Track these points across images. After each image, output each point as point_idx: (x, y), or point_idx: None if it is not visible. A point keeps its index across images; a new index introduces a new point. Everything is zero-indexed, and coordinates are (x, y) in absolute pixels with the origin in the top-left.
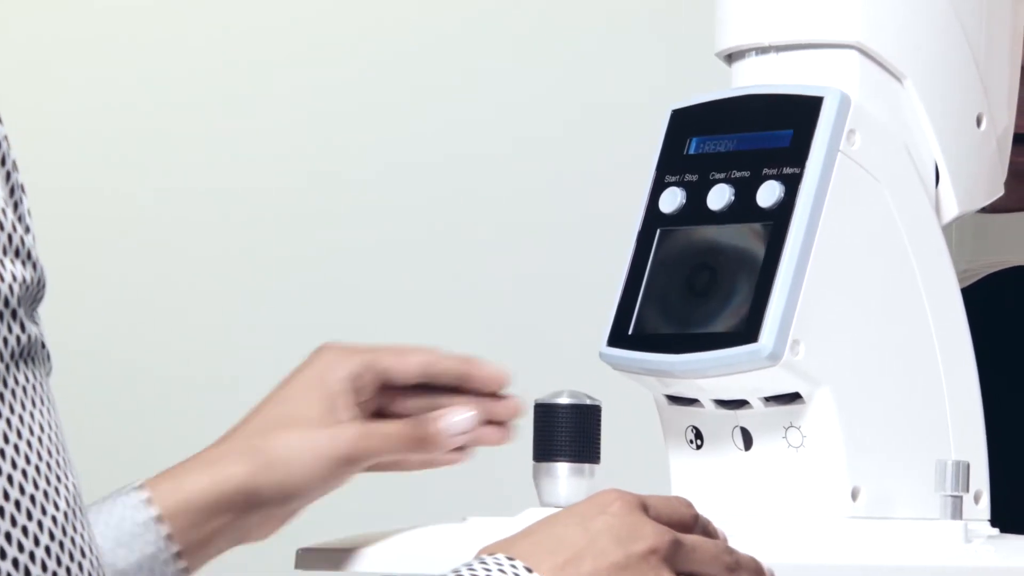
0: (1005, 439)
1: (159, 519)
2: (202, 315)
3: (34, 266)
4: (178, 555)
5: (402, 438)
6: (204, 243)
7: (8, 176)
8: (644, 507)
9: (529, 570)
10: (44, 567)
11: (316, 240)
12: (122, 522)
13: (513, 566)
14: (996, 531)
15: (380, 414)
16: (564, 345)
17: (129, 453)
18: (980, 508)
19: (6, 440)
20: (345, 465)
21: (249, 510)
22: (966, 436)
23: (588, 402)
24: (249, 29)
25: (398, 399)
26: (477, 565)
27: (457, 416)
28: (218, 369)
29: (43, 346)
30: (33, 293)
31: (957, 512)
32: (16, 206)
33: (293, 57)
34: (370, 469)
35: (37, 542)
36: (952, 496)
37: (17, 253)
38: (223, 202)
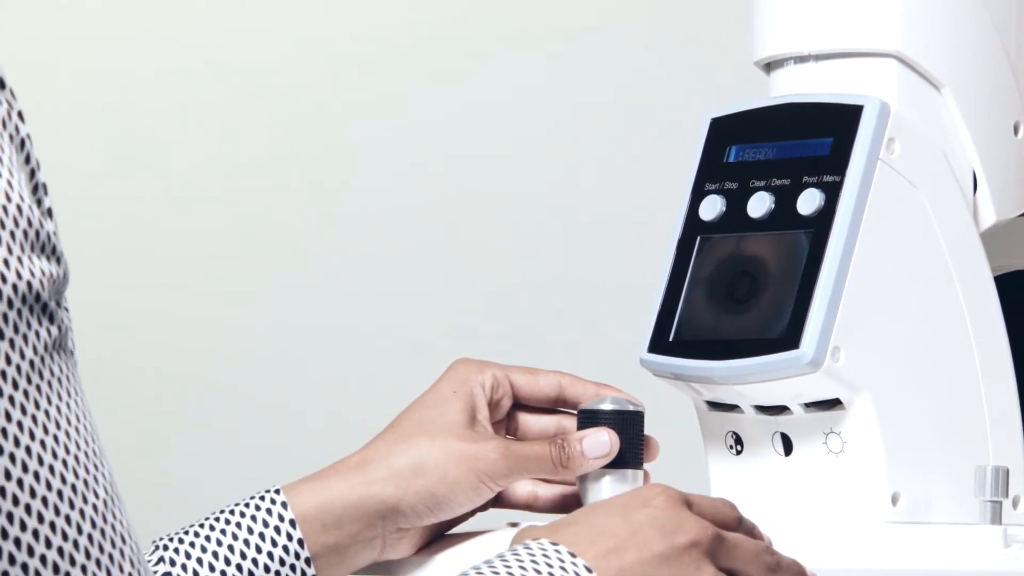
0: None
1: (293, 523)
2: (200, 316)
3: (58, 260)
4: (308, 561)
5: (542, 458)
6: (202, 244)
7: (32, 174)
8: (688, 503)
9: (573, 555)
10: (87, 554)
11: (328, 243)
12: (254, 524)
13: (557, 551)
14: None
15: (507, 433)
16: (604, 351)
17: (125, 454)
18: (1019, 513)
19: (46, 431)
20: (485, 480)
21: (386, 518)
22: (1005, 441)
23: (631, 408)
24: (242, 31)
25: (522, 418)
26: (522, 550)
27: (602, 438)
28: (216, 371)
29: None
30: (59, 286)
31: (996, 517)
32: (40, 203)
33: (287, 59)
34: (504, 504)
35: (80, 530)
36: (991, 501)
37: (43, 249)
38: (222, 203)
